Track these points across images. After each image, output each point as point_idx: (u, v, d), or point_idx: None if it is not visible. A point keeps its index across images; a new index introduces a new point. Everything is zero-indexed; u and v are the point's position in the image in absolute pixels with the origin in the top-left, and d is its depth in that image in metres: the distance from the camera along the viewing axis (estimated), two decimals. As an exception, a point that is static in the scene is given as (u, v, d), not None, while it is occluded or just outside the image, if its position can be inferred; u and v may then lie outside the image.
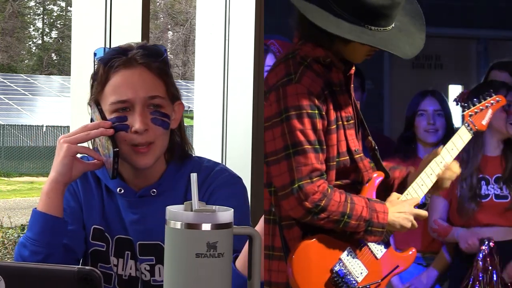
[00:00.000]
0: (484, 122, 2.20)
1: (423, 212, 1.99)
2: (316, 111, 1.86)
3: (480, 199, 2.79)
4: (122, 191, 1.93)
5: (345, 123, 1.93)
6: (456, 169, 2.06)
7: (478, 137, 2.77)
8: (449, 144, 2.09)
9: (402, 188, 2.03)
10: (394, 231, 1.99)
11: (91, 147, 1.93)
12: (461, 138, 2.13)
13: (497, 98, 2.24)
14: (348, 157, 1.93)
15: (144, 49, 1.90)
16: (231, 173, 1.98)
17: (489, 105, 2.23)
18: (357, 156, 1.94)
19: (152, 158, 1.88)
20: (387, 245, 1.99)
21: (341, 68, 1.93)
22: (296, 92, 1.86)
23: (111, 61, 1.88)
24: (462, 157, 2.76)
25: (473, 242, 2.79)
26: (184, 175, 1.94)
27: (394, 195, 1.99)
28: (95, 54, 1.93)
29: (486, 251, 2.75)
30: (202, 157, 2.02)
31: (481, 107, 2.22)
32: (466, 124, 2.17)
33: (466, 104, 2.22)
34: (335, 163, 1.91)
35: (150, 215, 1.92)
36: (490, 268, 2.74)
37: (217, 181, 1.93)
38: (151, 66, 1.89)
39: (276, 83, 1.89)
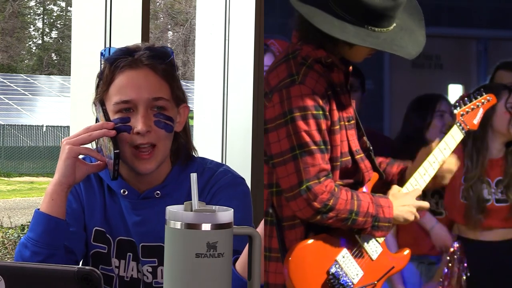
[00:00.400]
0: (476, 121, 2.20)
1: (425, 204, 1.99)
2: (321, 112, 1.86)
3: (484, 203, 2.77)
4: (126, 192, 1.93)
5: (346, 123, 1.93)
6: (453, 164, 2.06)
7: (481, 141, 2.75)
8: (442, 143, 2.09)
9: (401, 182, 2.03)
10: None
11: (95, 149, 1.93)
12: (454, 138, 2.12)
13: (487, 97, 2.24)
14: (349, 158, 1.93)
15: (151, 51, 1.89)
16: (234, 174, 1.97)
17: (480, 104, 2.22)
18: (358, 156, 1.94)
19: (154, 164, 1.88)
20: (382, 247, 1.99)
21: (342, 69, 1.93)
22: (300, 93, 1.85)
23: (117, 61, 1.88)
24: (467, 165, 2.75)
25: (447, 243, 2.77)
26: (188, 177, 1.92)
27: (395, 188, 1.99)
28: (102, 54, 1.93)
29: (457, 254, 2.73)
30: (206, 158, 2.02)
31: (472, 106, 2.21)
32: (458, 124, 2.16)
33: (457, 104, 2.22)
34: (339, 163, 1.91)
35: (153, 217, 1.91)
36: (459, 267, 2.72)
37: (220, 182, 1.93)
38: (157, 68, 1.88)
39: (278, 84, 1.88)
